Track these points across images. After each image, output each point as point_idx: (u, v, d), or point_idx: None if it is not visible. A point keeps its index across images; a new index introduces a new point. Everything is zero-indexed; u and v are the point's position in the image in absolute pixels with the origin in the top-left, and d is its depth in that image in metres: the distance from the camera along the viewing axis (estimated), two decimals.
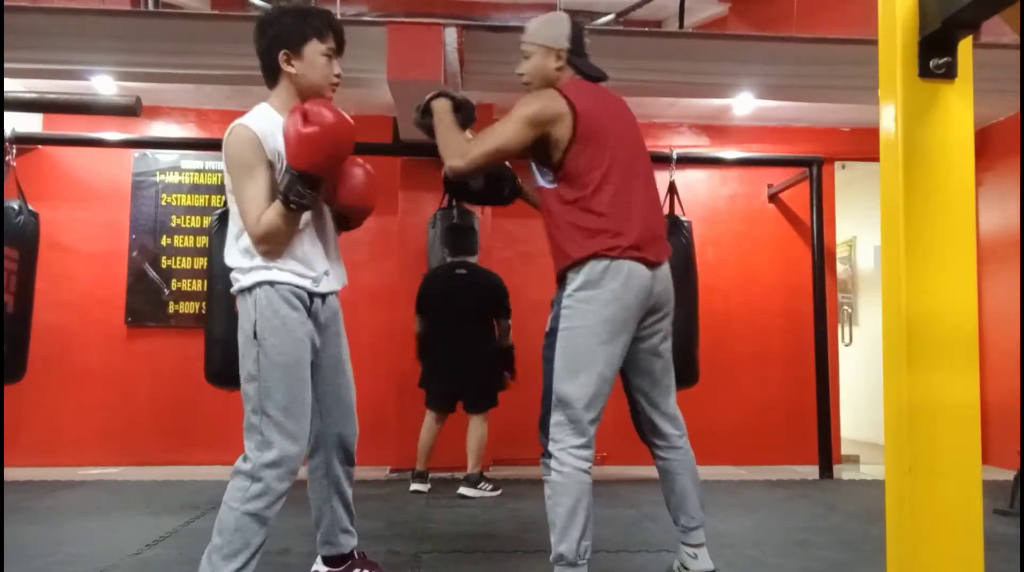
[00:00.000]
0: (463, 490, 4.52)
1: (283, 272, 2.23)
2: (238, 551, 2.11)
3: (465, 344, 4.61)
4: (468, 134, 2.49)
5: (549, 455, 2.30)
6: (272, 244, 2.20)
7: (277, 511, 2.21)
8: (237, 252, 2.27)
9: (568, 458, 2.26)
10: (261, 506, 2.14)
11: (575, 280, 2.32)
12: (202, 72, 4.82)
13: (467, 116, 2.50)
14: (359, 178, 2.42)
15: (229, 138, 2.23)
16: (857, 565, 2.99)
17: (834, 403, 5.73)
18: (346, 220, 2.50)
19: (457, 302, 4.63)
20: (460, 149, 2.37)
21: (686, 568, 2.53)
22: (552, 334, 2.36)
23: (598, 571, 2.60)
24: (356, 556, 2.54)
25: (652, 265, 2.37)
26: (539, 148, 2.39)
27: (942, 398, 1.51)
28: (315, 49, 2.27)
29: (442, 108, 2.46)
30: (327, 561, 2.52)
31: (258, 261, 2.23)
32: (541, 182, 2.44)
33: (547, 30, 2.48)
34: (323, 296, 2.35)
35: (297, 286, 2.25)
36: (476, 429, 4.63)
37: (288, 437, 2.18)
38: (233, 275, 2.28)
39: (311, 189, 2.15)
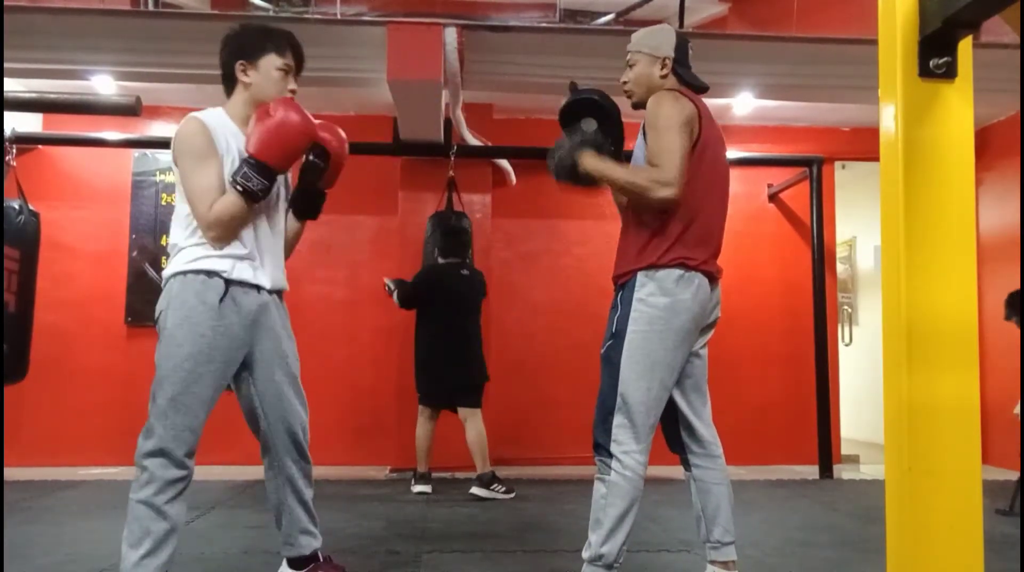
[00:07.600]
0: (474, 489, 4.46)
1: (197, 260, 2.24)
2: (140, 539, 2.15)
3: (468, 340, 4.62)
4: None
5: (609, 454, 2.26)
6: (222, 231, 2.24)
7: (178, 501, 2.20)
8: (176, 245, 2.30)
9: (630, 462, 2.25)
10: (150, 493, 2.17)
11: (646, 284, 2.30)
12: (202, 72, 4.79)
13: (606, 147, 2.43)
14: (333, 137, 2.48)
15: (180, 130, 2.28)
16: (857, 565, 2.99)
17: (834, 403, 5.73)
18: (313, 207, 2.52)
19: (468, 301, 4.67)
20: (656, 178, 2.24)
21: None
22: (619, 336, 2.30)
23: None
24: (320, 558, 2.50)
25: (715, 282, 2.40)
26: None
27: (942, 398, 1.51)
28: (271, 62, 2.36)
29: (592, 159, 2.37)
30: (291, 563, 2.49)
31: (182, 255, 2.26)
32: None
33: (652, 39, 2.51)
34: (249, 287, 2.30)
35: (209, 274, 2.23)
36: (473, 427, 4.53)
37: (170, 429, 2.19)
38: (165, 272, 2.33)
39: (261, 177, 2.20)
